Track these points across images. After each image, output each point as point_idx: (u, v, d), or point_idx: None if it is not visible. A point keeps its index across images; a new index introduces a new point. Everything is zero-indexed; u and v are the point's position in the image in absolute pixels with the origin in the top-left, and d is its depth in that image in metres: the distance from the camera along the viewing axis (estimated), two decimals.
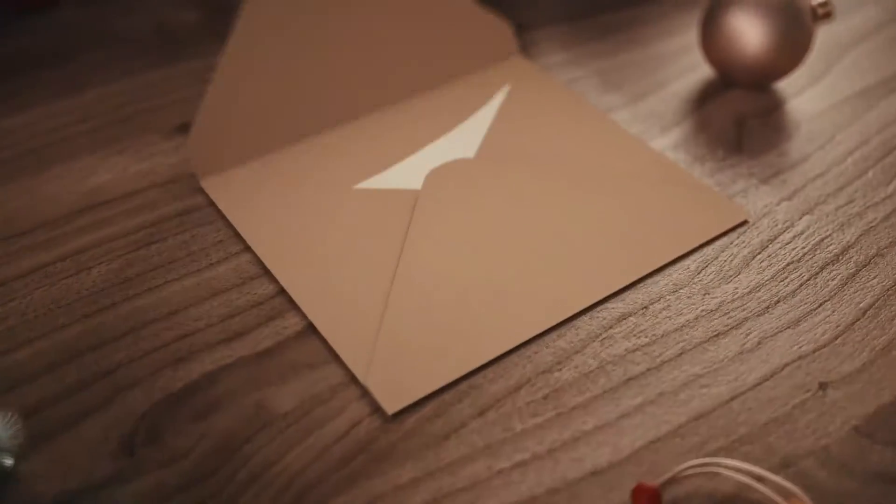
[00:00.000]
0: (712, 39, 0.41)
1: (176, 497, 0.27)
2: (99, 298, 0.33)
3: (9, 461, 0.28)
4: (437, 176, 0.37)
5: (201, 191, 0.37)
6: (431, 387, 0.30)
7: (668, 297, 0.33)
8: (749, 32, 0.40)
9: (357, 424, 0.29)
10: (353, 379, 0.31)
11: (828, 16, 0.40)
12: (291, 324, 0.32)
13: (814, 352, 0.31)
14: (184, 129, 0.40)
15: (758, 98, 0.42)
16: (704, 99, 0.42)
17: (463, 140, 0.39)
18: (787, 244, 0.35)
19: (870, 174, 0.38)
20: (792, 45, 0.40)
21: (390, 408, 0.30)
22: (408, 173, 0.38)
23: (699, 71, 0.44)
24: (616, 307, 0.33)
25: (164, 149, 0.39)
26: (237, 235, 0.36)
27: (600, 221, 0.35)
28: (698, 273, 0.34)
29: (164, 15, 0.48)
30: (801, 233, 0.36)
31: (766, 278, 0.34)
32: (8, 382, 0.30)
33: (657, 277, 0.34)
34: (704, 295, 0.33)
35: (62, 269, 0.34)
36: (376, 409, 0.30)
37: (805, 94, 0.42)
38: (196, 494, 0.27)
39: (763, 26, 0.39)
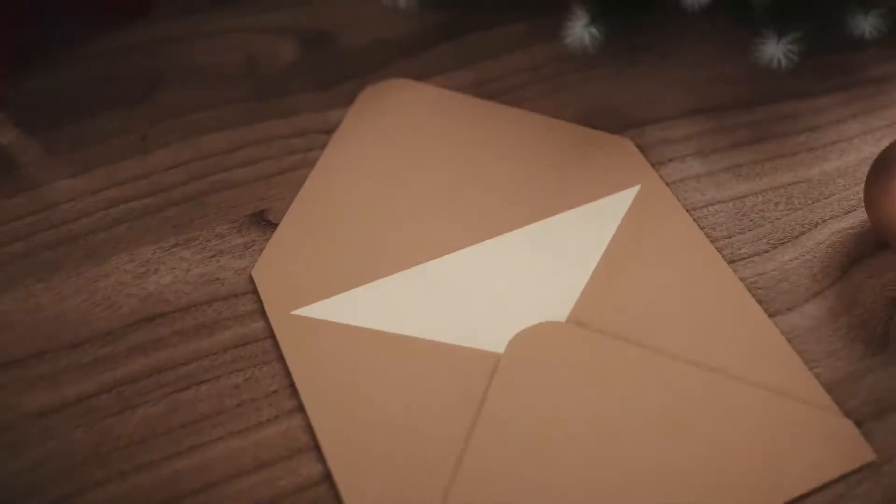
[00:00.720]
0: (882, 195, 0.34)
1: None
2: (139, 452, 0.31)
3: None
4: (521, 343, 0.33)
5: (263, 314, 0.34)
6: None
7: None
8: None
9: None
10: None
11: None
12: None
13: None
14: (257, 219, 0.37)
15: None
16: (855, 261, 0.35)
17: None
18: None
19: None
20: None
21: None
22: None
23: (855, 215, 0.37)
24: None
25: (233, 245, 0.36)
26: (292, 387, 0.32)
27: (696, 441, 0.31)
28: None
29: (257, 46, 0.43)
30: None
31: None
32: None
33: None
34: None
35: (106, 403, 0.32)
36: None
37: None
38: None
39: None
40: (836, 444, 0.31)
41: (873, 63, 0.42)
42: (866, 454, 0.31)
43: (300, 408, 0.32)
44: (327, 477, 0.30)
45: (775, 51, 0.39)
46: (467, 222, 0.36)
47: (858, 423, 0.31)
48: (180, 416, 0.32)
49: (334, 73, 0.42)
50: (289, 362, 0.33)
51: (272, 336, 0.34)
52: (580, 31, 0.40)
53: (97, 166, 0.38)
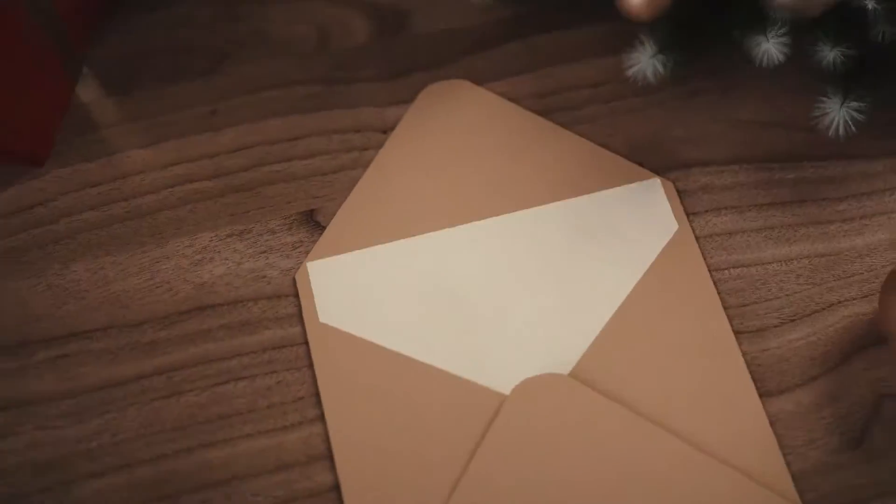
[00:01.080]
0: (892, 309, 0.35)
1: None
2: (180, 437, 0.36)
3: None
4: (525, 392, 0.36)
5: (301, 319, 0.38)
6: None
7: None
8: None
9: None
10: None
11: None
12: None
13: None
14: (307, 218, 0.39)
15: None
16: (857, 350, 0.37)
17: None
18: None
19: None
20: None
21: None
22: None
23: (871, 301, 0.38)
24: None
25: (282, 243, 0.39)
26: (317, 396, 0.37)
27: None
28: None
29: (328, 20, 0.43)
30: None
31: None
32: None
33: None
34: None
35: (158, 386, 0.37)
36: None
37: None
38: None
39: None
40: None
41: None
42: None
43: (321, 417, 0.36)
44: (336, 487, 0.35)
45: (837, 115, 0.39)
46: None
47: None
48: (218, 408, 0.36)
49: (400, 62, 0.43)
50: (317, 373, 0.37)
51: (306, 343, 0.37)
52: (646, 62, 0.40)
53: (168, 138, 0.41)
